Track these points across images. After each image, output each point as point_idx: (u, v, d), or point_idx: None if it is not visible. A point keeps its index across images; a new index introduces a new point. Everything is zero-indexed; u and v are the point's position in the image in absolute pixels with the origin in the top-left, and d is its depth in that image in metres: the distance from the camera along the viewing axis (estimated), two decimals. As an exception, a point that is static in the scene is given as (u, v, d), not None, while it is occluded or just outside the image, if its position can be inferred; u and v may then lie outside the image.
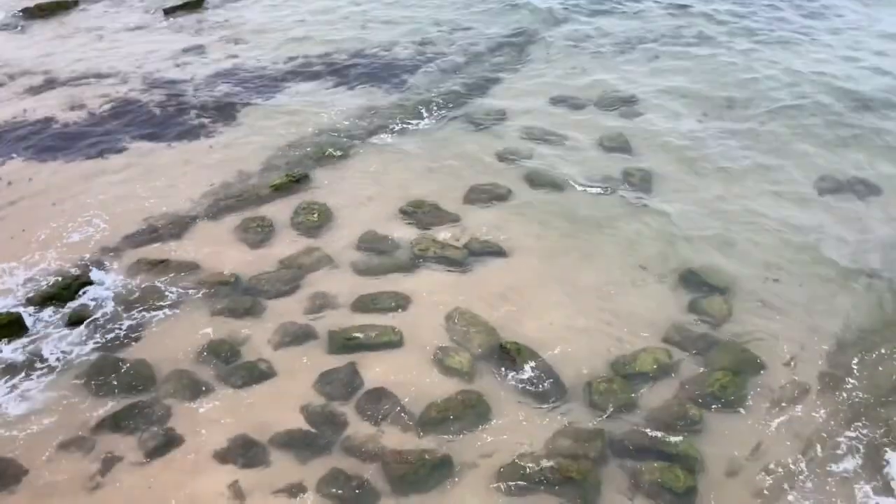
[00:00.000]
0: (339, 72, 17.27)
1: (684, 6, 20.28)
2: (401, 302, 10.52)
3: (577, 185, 12.99)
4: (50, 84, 16.76)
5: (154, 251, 11.63)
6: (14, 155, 14.22)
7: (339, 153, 14.08)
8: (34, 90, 16.50)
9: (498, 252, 11.52)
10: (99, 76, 17.12)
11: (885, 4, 20.61)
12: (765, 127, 14.71)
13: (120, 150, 14.31)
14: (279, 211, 12.53)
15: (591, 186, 12.96)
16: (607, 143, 14.10)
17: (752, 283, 10.83)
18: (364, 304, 10.51)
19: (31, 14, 20.10)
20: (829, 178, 13.06)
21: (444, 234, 11.93)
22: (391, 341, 9.84)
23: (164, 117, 15.47)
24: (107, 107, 15.81)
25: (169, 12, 20.20)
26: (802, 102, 15.48)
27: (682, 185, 12.99)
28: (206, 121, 15.34)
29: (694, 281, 10.82)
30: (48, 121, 15.33)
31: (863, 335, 9.99)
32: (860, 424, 8.71)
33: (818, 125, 14.74)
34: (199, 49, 18.45)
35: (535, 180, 13.12)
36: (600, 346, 9.75)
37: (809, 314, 10.30)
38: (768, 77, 16.60)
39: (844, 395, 9.09)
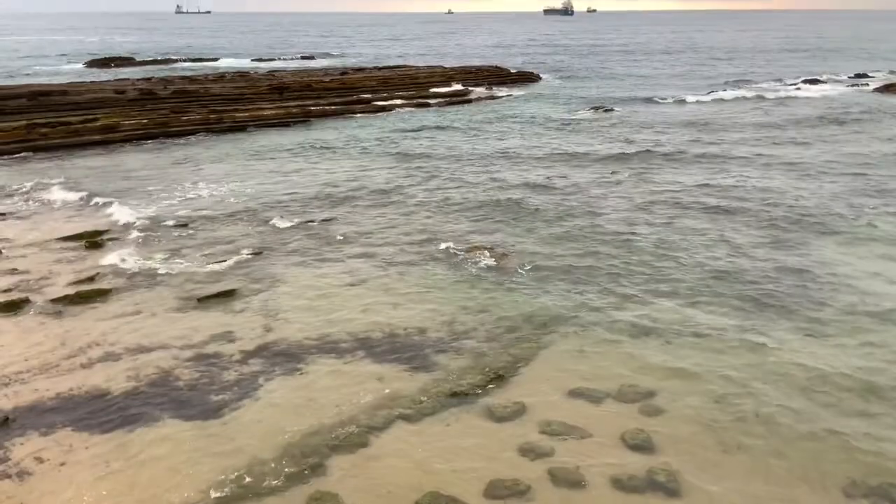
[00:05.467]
0: (366, 351, 17.76)
1: (691, 297, 21.08)
2: None
3: (600, 485, 12.54)
4: (85, 364, 17.31)
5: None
6: (44, 429, 14.55)
7: (355, 441, 13.90)
8: (73, 369, 17.09)
9: (519, 556, 10.84)
10: (133, 355, 17.72)
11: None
12: (788, 413, 14.55)
13: (148, 425, 14.63)
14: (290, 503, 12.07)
15: (615, 487, 12.50)
16: (629, 440, 13.84)
17: None
18: None
19: (69, 300, 21.23)
20: (861, 484, 12.52)
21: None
22: None
23: (192, 396, 15.83)
24: (141, 385, 16.26)
25: (202, 300, 21.30)
26: (821, 396, 15.38)
27: (708, 488, 12.50)
28: (229, 396, 15.66)
29: None
30: (72, 398, 15.67)
31: None
32: None
33: (845, 420, 14.50)
34: (231, 330, 19.20)
35: (557, 478, 12.71)
36: None
37: None
38: (784, 361, 16.74)
39: None
